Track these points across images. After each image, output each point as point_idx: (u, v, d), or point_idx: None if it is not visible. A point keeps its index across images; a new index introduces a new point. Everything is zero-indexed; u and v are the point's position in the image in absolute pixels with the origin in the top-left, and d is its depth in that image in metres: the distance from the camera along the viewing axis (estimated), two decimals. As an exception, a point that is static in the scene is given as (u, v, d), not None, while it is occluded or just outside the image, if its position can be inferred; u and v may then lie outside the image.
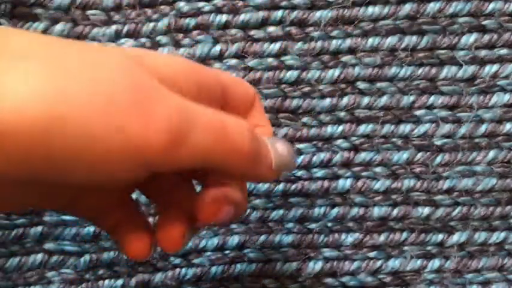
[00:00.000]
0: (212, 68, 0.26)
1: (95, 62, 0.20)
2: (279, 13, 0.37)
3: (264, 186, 0.37)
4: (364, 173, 0.37)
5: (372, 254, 0.37)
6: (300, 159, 0.37)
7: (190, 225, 0.25)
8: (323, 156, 0.37)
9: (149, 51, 0.24)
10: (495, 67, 0.37)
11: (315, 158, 0.37)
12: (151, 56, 0.23)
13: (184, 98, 0.22)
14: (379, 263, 0.37)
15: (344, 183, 0.37)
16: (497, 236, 0.37)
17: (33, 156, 0.19)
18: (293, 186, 0.37)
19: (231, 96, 0.27)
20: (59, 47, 0.20)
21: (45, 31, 0.37)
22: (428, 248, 0.37)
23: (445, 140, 0.37)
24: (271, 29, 0.37)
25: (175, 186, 0.27)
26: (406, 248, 0.37)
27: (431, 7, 0.37)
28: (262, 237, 0.37)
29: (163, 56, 0.24)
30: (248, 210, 0.37)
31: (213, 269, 0.37)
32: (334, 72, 0.37)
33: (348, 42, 0.37)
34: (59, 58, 0.19)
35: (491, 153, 0.37)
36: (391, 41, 0.37)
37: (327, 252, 0.37)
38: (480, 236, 0.37)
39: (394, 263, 0.37)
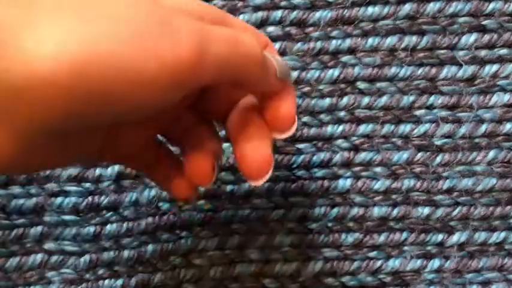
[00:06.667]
0: (222, 11, 0.29)
1: (118, 2, 0.22)
2: (278, 13, 0.37)
3: (264, 186, 0.37)
4: (364, 173, 0.37)
5: (372, 254, 0.37)
6: (300, 159, 0.37)
7: (217, 161, 0.29)
8: (323, 156, 0.37)
9: None
10: (495, 67, 0.37)
11: (315, 158, 0.37)
12: None
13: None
14: (379, 263, 0.37)
15: (344, 183, 0.37)
16: (497, 236, 0.37)
17: (76, 98, 0.20)
18: (293, 186, 0.37)
19: None
20: None
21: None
22: (428, 248, 0.37)
23: (445, 140, 0.37)
24: (270, 29, 0.37)
25: (197, 126, 0.30)
26: (406, 248, 0.37)
27: (431, 7, 0.37)
28: (262, 237, 0.37)
29: None
30: (248, 210, 0.37)
31: (213, 269, 0.37)
32: (334, 72, 0.37)
33: (348, 42, 0.37)
34: (84, 4, 0.21)
35: (491, 153, 0.37)
36: (391, 41, 0.37)
37: (327, 252, 0.37)
38: (480, 236, 0.37)
39: (394, 263, 0.37)
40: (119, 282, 0.37)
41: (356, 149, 0.38)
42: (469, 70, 0.37)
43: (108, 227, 0.37)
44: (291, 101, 0.28)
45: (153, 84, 0.21)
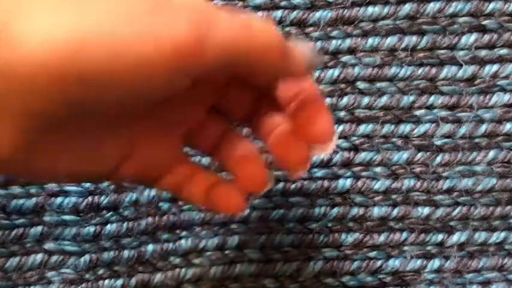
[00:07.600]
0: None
1: None
2: (278, 13, 0.37)
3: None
4: (364, 173, 0.37)
5: (372, 254, 0.37)
6: (300, 159, 0.37)
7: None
8: (323, 156, 0.37)
9: None
10: (495, 67, 0.37)
11: (315, 158, 0.37)
12: None
13: None
14: (379, 263, 0.37)
15: (344, 183, 0.37)
16: (497, 236, 0.37)
17: (69, 84, 0.19)
18: (293, 186, 0.37)
19: None
20: None
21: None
22: (428, 248, 0.37)
23: (445, 140, 0.37)
24: (271, 29, 0.37)
25: (229, 132, 0.28)
26: (406, 248, 0.37)
27: (431, 7, 0.37)
28: (262, 237, 0.37)
29: None
30: (248, 210, 0.37)
31: (213, 269, 0.37)
32: (334, 72, 0.37)
33: (348, 42, 0.37)
34: None
35: (491, 153, 0.37)
36: (391, 41, 0.37)
37: (327, 252, 0.37)
38: (480, 236, 0.37)
39: (394, 263, 0.37)
40: (119, 282, 0.37)
41: (356, 149, 0.38)
42: (469, 70, 0.37)
43: (108, 227, 0.37)
44: (326, 111, 0.26)
45: (151, 67, 0.20)
